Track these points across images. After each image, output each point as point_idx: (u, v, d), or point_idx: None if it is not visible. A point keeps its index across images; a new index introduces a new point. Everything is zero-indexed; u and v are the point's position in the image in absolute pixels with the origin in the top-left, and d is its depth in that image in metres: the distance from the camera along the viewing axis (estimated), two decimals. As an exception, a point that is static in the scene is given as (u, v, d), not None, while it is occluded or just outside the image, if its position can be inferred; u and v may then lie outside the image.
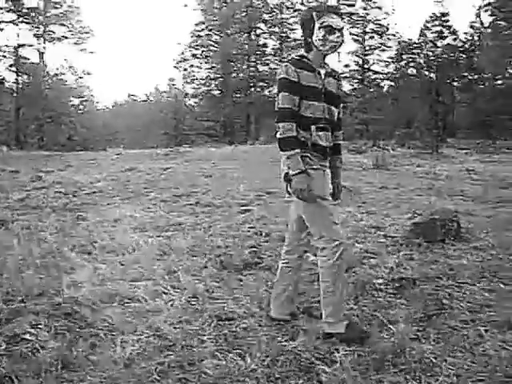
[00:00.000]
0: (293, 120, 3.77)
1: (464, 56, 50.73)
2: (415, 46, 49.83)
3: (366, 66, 53.46)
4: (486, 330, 3.90)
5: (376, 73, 53.91)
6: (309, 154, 3.83)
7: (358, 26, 52.17)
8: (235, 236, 7.18)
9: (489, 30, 48.97)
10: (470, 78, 52.20)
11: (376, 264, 5.67)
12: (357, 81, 53.62)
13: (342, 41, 3.91)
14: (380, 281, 5.07)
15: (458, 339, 3.77)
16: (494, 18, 47.46)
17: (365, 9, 51.95)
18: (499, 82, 49.81)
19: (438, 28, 49.06)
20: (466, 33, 54.16)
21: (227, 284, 5.16)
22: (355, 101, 47.93)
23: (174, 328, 4.01)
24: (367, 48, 53.17)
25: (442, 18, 49.00)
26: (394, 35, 52.06)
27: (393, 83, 54.23)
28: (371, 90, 51.53)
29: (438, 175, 16.08)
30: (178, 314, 4.33)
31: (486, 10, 49.41)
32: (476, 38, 52.74)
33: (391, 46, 52.55)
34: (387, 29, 51.84)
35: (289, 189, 3.86)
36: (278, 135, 3.79)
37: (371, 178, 14.72)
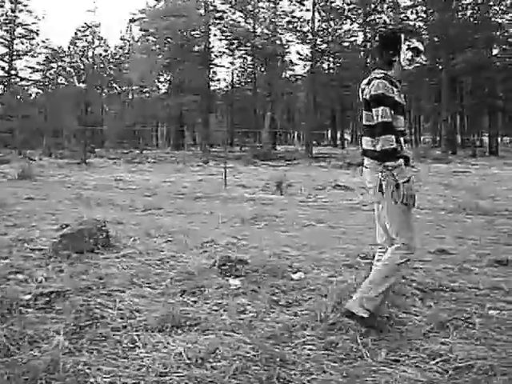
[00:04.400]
0: (393, 133, 3.95)
1: (114, 67, 51.85)
2: (65, 54, 49.37)
3: (13, 72, 51.27)
4: (138, 335, 3.98)
5: (23, 79, 52.06)
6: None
7: (6, 28, 49.71)
8: None
9: (138, 44, 50.71)
10: (118, 89, 53.52)
11: (23, 279, 5.39)
12: (2, 87, 51.18)
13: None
14: (28, 296, 4.82)
15: (111, 347, 3.78)
16: (143, 32, 49.30)
17: (13, 11, 49.69)
18: (147, 94, 52.00)
19: (90, 37, 49.33)
20: (116, 46, 55.44)
21: None
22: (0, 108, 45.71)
23: None
24: (15, 53, 51.02)
25: (94, 28, 49.36)
26: (44, 41, 50.82)
27: (41, 91, 53.01)
28: (17, 96, 49.62)
29: (85, 185, 16.10)
30: None
31: (136, 24, 51.04)
32: (126, 51, 54.22)
33: (41, 53, 51.25)
34: (37, 34, 50.34)
35: (395, 198, 3.99)
36: (379, 147, 3.95)
37: (17, 189, 14.12)
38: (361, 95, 4.22)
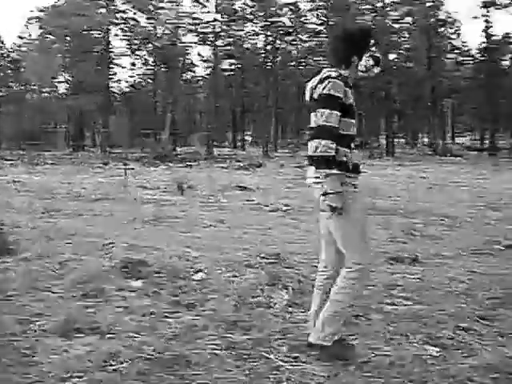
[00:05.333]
0: (334, 140, 3.56)
1: (11, 66, 50.23)
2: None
3: None
4: (38, 340, 3.90)
5: None
6: (346, 174, 3.65)
7: None
8: None
9: (37, 43, 49.24)
10: (16, 88, 51.86)
11: None
12: None
13: None
14: None
15: (9, 353, 3.68)
16: (42, 31, 47.89)
17: None
18: (46, 94, 50.62)
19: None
20: (14, 43, 53.71)
21: None
22: None
23: None
24: None
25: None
26: None
27: None
28: None
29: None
30: None
31: (35, 22, 49.53)
32: (24, 50, 52.63)
33: None
34: None
35: (323, 206, 3.64)
36: (313, 152, 3.58)
37: None
38: (308, 94, 3.83)
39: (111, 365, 3.51)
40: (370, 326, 4.28)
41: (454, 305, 4.81)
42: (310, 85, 3.82)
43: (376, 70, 3.85)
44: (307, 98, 3.86)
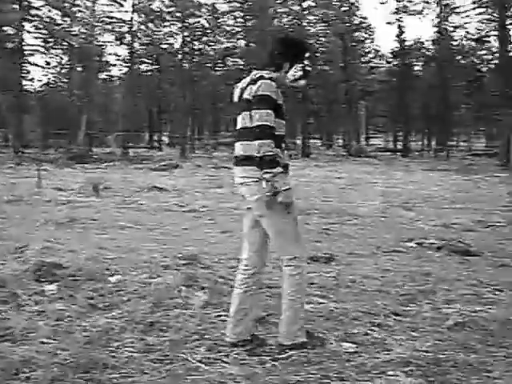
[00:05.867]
0: (273, 138, 3.67)
1: None
2: None
3: None
4: None
5: None
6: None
7: None
8: None
9: None
10: None
11: None
12: None
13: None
14: None
15: None
16: None
17: None
18: None
19: None
20: None
21: None
22: None
23: None
24: None
25: None
26: None
27: None
28: None
29: None
30: None
31: None
32: None
33: None
34: None
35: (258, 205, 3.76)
36: (258, 153, 3.66)
37: None
38: (237, 94, 3.94)
39: (24, 372, 3.42)
40: (288, 325, 4.31)
41: (368, 302, 4.94)
42: (239, 85, 3.94)
43: (302, 82, 4.04)
44: (235, 98, 3.96)
